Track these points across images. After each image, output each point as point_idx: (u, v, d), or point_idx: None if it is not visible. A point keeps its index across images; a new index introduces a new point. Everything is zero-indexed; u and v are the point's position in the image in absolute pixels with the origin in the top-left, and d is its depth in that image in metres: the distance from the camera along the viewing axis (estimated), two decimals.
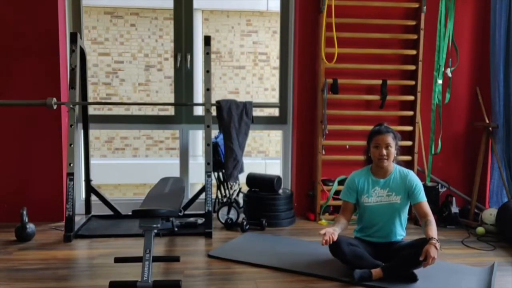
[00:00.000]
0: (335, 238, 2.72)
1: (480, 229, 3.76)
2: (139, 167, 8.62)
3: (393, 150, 2.90)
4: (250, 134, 4.02)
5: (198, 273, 2.88)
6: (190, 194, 4.26)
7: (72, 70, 3.64)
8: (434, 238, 2.64)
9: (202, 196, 3.88)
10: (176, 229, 3.66)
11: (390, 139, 2.89)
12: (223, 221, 3.89)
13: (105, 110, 8.45)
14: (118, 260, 2.64)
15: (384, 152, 2.87)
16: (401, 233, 2.97)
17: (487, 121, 4.15)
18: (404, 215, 2.96)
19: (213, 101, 3.85)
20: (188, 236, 3.61)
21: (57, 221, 3.93)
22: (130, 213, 3.29)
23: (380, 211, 2.92)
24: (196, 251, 3.30)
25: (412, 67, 4.16)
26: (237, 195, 4.14)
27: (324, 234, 2.69)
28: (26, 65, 3.85)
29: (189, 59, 4.28)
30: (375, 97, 4.17)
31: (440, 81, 4.02)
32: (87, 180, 4.08)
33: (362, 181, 2.98)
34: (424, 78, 4.16)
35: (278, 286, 2.73)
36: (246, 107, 3.93)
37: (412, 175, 2.95)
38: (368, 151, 2.99)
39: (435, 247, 2.60)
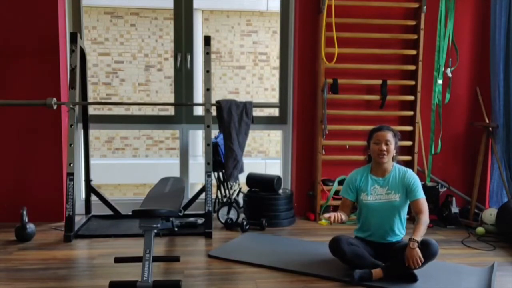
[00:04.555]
0: (343, 218, 2.83)
1: (480, 229, 3.76)
2: (139, 167, 8.63)
3: (392, 147, 2.92)
4: (250, 134, 4.02)
5: (198, 273, 2.88)
6: (190, 194, 4.26)
7: (72, 70, 3.64)
8: (413, 239, 2.66)
9: (202, 196, 3.88)
10: (176, 229, 3.66)
11: (390, 136, 2.92)
12: (223, 221, 3.89)
13: (105, 110, 8.45)
14: (118, 260, 2.64)
15: (384, 147, 2.89)
16: (401, 232, 2.97)
17: (487, 121, 4.15)
18: (404, 214, 2.97)
19: (213, 101, 3.85)
20: (188, 236, 3.61)
21: (57, 221, 3.93)
22: (130, 213, 3.28)
23: (379, 209, 2.92)
24: (196, 251, 3.30)
25: (412, 67, 4.16)
26: (237, 195, 4.14)
27: (329, 217, 2.79)
28: (26, 65, 3.85)
29: (189, 59, 4.28)
30: (375, 97, 4.17)
31: (440, 81, 4.02)
32: (87, 180, 4.08)
33: (362, 179, 3.00)
34: (424, 78, 4.16)
35: (278, 286, 2.73)
36: (246, 107, 3.93)
37: (410, 173, 2.97)
38: (368, 149, 3.01)
39: (414, 248, 2.63)
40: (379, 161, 2.94)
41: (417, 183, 2.92)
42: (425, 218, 2.80)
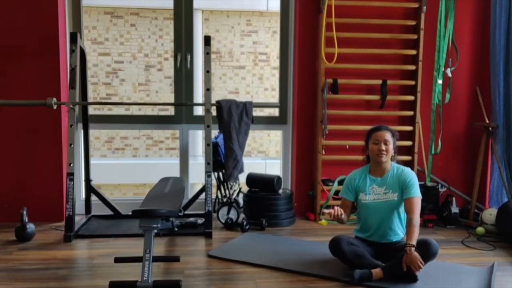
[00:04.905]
0: (342, 215, 2.82)
1: (480, 229, 3.76)
2: (139, 167, 8.62)
3: (391, 147, 2.93)
4: (250, 134, 4.02)
5: (198, 273, 2.88)
6: (190, 194, 4.26)
7: (72, 70, 3.64)
8: (409, 244, 2.66)
9: (202, 196, 3.88)
10: (176, 229, 3.66)
11: (388, 135, 2.93)
12: (223, 221, 3.89)
13: (105, 110, 8.45)
14: (118, 260, 2.64)
15: (383, 147, 2.90)
16: (401, 231, 2.97)
17: (487, 121, 4.15)
18: (403, 213, 2.96)
19: (213, 101, 3.85)
20: (188, 236, 3.61)
21: (57, 221, 3.93)
22: (130, 213, 3.29)
23: (377, 208, 2.93)
24: (196, 251, 3.30)
25: (412, 67, 4.16)
26: (237, 195, 4.14)
27: (329, 212, 2.79)
28: (26, 65, 3.85)
29: (189, 59, 4.28)
30: (375, 97, 4.17)
31: (440, 81, 4.02)
32: (87, 180, 4.08)
33: (361, 179, 3.01)
34: (424, 78, 4.16)
35: (278, 286, 2.73)
36: (246, 107, 3.93)
37: (407, 171, 2.96)
38: (367, 149, 3.01)
39: (411, 253, 2.62)
40: (378, 160, 2.94)
41: (413, 181, 2.90)
42: (416, 218, 2.76)
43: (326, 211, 2.81)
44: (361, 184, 3.00)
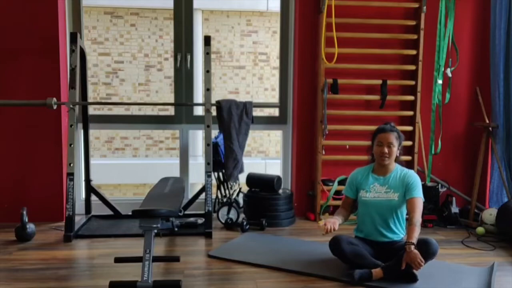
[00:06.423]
0: (336, 227, 2.82)
1: (480, 229, 3.76)
2: (139, 167, 8.63)
3: (395, 150, 2.92)
4: (250, 134, 4.02)
5: (198, 273, 2.88)
6: (190, 194, 4.26)
7: (72, 70, 3.64)
8: (408, 242, 2.65)
9: (202, 196, 3.88)
10: (176, 229, 3.66)
11: (393, 138, 2.92)
12: (223, 221, 3.89)
13: (105, 110, 8.46)
14: (118, 260, 2.64)
15: (386, 150, 2.90)
16: (399, 231, 2.97)
17: (487, 121, 4.15)
18: (402, 214, 2.96)
19: (213, 101, 3.85)
20: (188, 236, 3.61)
21: (57, 221, 3.93)
22: (130, 213, 3.29)
23: (376, 206, 2.93)
24: (196, 251, 3.30)
25: (412, 67, 4.16)
26: (237, 195, 4.14)
27: (325, 224, 2.80)
28: (26, 65, 3.85)
29: (189, 59, 4.28)
30: (375, 97, 4.17)
31: (440, 81, 4.02)
32: (87, 180, 4.08)
33: (363, 177, 3.03)
34: (424, 78, 4.16)
35: (278, 286, 2.73)
36: (246, 107, 3.93)
37: (411, 173, 2.97)
38: (372, 148, 3.01)
39: (411, 251, 2.62)
40: (381, 162, 2.95)
41: (417, 183, 2.91)
42: (416, 218, 2.76)
43: (321, 223, 2.83)
44: (363, 182, 3.01)
